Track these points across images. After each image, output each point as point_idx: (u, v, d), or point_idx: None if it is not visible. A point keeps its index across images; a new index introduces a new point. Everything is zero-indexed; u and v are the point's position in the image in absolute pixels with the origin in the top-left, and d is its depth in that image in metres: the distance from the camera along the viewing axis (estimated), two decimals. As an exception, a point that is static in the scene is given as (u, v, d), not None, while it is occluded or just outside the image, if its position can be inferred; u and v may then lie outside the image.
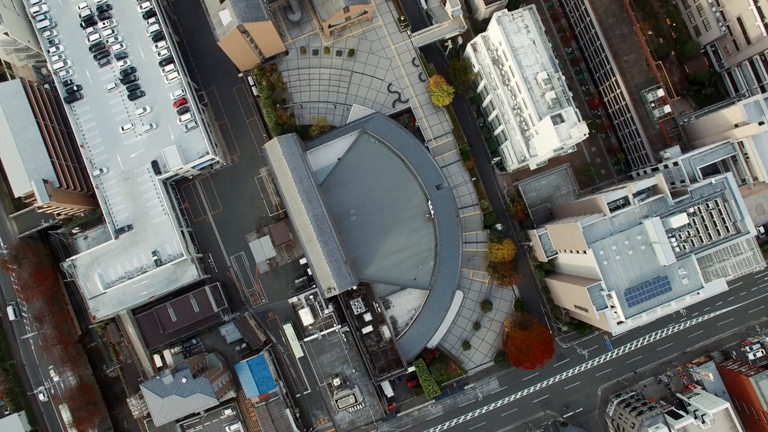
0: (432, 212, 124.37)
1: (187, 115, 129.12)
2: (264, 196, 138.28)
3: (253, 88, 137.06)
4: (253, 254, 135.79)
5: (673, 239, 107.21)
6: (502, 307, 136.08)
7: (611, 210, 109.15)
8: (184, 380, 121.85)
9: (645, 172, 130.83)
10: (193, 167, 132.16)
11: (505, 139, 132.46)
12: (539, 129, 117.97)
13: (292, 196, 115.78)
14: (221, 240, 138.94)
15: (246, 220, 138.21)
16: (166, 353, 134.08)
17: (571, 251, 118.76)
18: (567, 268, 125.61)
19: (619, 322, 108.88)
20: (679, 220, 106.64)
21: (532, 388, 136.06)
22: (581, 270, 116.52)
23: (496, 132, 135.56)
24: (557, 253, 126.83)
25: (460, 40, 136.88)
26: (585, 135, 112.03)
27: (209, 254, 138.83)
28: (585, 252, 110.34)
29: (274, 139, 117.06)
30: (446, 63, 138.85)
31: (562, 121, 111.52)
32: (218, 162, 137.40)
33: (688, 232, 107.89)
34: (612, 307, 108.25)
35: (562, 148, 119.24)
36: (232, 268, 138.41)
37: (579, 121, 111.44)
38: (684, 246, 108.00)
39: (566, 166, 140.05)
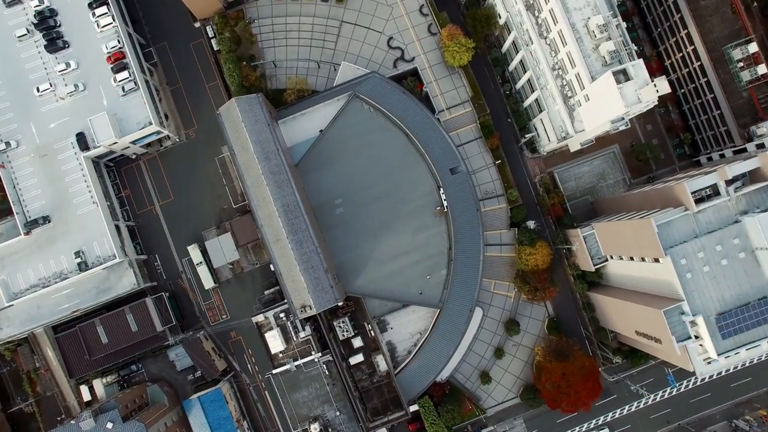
0: (445, 204, 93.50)
1: (125, 74, 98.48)
2: (227, 182, 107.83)
3: (213, 42, 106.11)
4: (210, 256, 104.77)
5: (785, 244, 76.56)
6: (532, 329, 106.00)
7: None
8: (110, 425, 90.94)
9: (722, 155, 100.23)
10: (133, 142, 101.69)
11: (540, 111, 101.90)
12: (591, 93, 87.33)
13: (254, 179, 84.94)
14: (171, 238, 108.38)
15: (203, 213, 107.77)
16: (97, 383, 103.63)
17: (631, 258, 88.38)
18: (621, 281, 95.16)
19: (708, 360, 78.15)
20: (795, 217, 75.98)
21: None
22: (646, 284, 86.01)
23: (527, 102, 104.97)
24: (607, 260, 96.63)
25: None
26: (654, 100, 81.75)
27: (155, 256, 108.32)
28: (658, 260, 79.81)
29: (231, 101, 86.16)
30: (463, 13, 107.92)
31: (628, 78, 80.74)
32: (168, 137, 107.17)
33: (806, 234, 77.15)
34: (697, 337, 77.53)
35: (623, 118, 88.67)
36: (184, 273, 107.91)
37: (650, 78, 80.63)
38: (800, 254, 77.34)
39: (614, 148, 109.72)
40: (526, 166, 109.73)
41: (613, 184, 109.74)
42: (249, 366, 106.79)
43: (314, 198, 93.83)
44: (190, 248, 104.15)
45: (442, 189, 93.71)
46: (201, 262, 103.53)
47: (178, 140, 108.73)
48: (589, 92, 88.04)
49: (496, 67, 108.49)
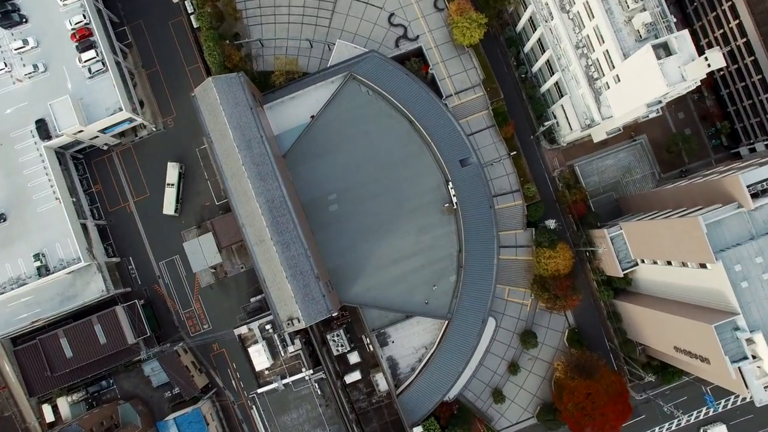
0: (454, 200, 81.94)
1: (91, 53, 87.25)
2: (208, 176, 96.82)
3: (193, 18, 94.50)
4: (189, 259, 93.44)
5: None
6: (550, 341, 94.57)
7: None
8: (70, 453, 79.78)
9: (767, 146, 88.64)
10: (102, 131, 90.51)
11: (561, 96, 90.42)
12: (622, 73, 75.79)
13: (233, 171, 73.29)
14: (147, 238, 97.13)
15: (183, 210, 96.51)
16: (62, 402, 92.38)
17: (668, 263, 76.83)
18: (655, 288, 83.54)
19: (768, 386, 66.55)
20: None
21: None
22: (688, 293, 74.39)
23: (546, 86, 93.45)
24: (637, 264, 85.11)
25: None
26: (699, 78, 70.11)
27: (129, 259, 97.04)
28: (705, 266, 68.16)
29: (207, 80, 74.54)
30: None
31: (669, 53, 69.06)
32: (144, 126, 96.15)
33: None
34: (755, 357, 65.80)
35: (660, 101, 77.04)
36: (161, 278, 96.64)
37: (697, 53, 68.95)
38: None
39: (641, 139, 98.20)
40: (543, 159, 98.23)
41: (640, 178, 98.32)
42: (233, 382, 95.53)
43: (304, 193, 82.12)
44: (170, 164, 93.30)
45: (450, 183, 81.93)
46: (172, 184, 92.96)
47: (154, 129, 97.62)
48: (620, 72, 76.53)
49: (510, 48, 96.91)
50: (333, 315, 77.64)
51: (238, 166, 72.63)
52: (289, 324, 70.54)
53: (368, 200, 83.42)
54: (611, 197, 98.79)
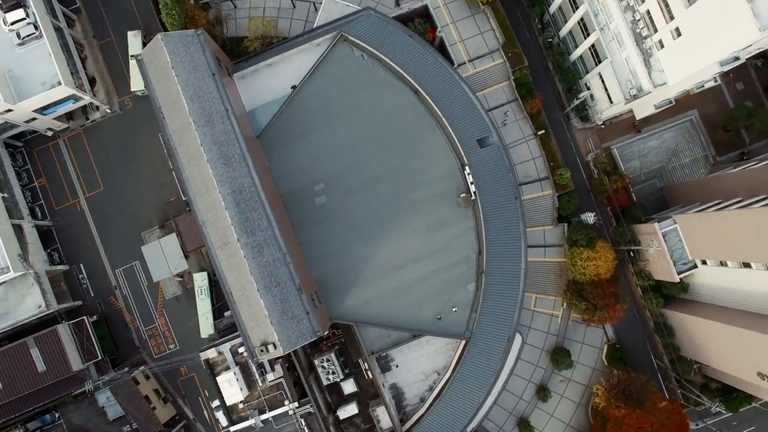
0: (472, 189, 65.53)
1: (19, 13, 71.14)
2: (174, 166, 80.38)
3: (149, -26, 78.47)
4: (148, 266, 77.38)
5: None
6: (585, 359, 78.69)
7: None
8: None
9: None
10: (41, 112, 74.44)
11: (598, 62, 74.26)
12: (685, 24, 59.69)
13: (190, 154, 56.79)
14: (101, 241, 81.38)
15: (144, 207, 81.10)
16: (-5, 442, 76.28)
17: (746, 264, 60.82)
18: (724, 296, 67.52)
19: None
20: None
21: (638, 498, 77.88)
22: (775, 303, 58.25)
23: (578, 52, 77.24)
24: (695, 266, 69.26)
25: None
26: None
27: (80, 266, 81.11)
28: (807, 269, 52.01)
29: (156, 38, 57.91)
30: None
31: (760, -13, 52.94)
32: (96, 106, 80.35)
33: None
34: None
35: (738, 58, 60.85)
36: (118, 289, 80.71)
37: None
38: None
39: (692, 115, 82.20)
40: (574, 140, 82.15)
41: (690, 162, 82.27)
42: (205, 412, 79.69)
43: (284, 183, 65.57)
44: (130, 33, 77.76)
45: (467, 168, 65.49)
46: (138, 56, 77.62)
47: (109, 111, 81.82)
48: (681, 23, 60.32)
49: (533, 7, 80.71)
50: (321, 335, 61.12)
51: (195, 146, 56.14)
52: (263, 351, 54.10)
53: (364, 191, 66.83)
54: (654, 186, 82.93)
